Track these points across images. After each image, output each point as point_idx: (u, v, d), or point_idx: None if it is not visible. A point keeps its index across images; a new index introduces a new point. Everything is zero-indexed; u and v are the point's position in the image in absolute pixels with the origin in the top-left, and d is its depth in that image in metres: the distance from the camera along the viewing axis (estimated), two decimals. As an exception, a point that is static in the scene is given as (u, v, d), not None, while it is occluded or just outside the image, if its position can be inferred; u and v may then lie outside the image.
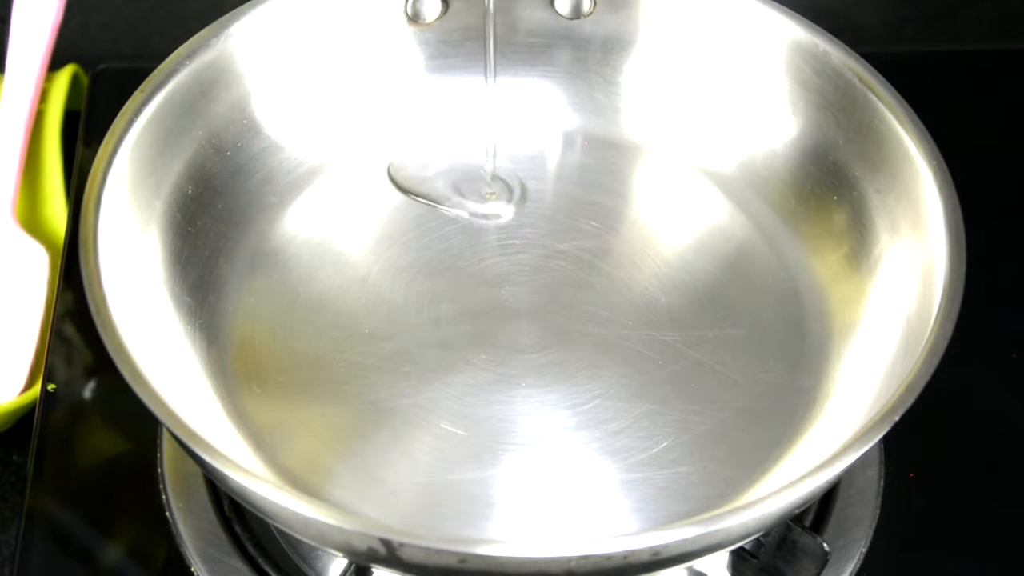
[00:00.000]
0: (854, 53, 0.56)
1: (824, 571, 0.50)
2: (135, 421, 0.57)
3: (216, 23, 0.57)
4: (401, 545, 0.43)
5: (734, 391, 0.54)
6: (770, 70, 0.59)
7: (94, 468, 0.59)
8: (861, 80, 0.56)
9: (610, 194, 0.60)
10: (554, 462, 0.52)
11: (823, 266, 0.57)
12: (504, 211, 0.59)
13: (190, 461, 0.53)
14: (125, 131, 0.53)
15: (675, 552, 0.44)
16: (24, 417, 0.65)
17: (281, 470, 0.51)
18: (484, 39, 0.59)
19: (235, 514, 0.55)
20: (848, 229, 0.57)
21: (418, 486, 0.51)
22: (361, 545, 0.44)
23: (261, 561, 0.54)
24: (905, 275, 0.53)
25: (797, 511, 0.46)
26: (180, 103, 0.55)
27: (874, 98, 0.55)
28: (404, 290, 0.57)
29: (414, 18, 0.61)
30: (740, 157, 0.60)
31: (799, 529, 0.50)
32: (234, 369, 0.54)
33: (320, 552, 0.54)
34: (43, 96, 0.72)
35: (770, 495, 0.43)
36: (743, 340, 0.55)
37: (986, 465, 0.60)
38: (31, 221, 0.71)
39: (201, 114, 0.57)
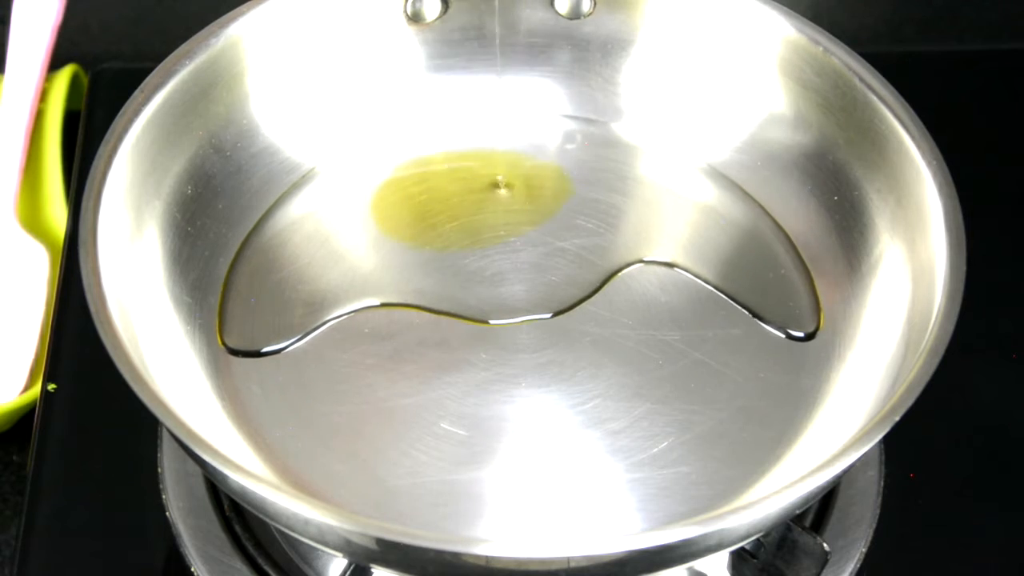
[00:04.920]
0: (854, 53, 0.56)
1: (824, 571, 0.50)
2: (135, 421, 0.57)
3: (216, 23, 0.57)
4: (400, 545, 0.43)
5: (734, 391, 0.54)
6: (770, 70, 0.59)
7: (94, 468, 0.59)
8: (861, 80, 0.56)
9: (610, 193, 0.60)
10: (554, 462, 0.52)
11: (823, 266, 0.57)
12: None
13: (190, 461, 0.53)
14: (125, 131, 0.53)
15: (675, 552, 0.44)
16: (24, 417, 0.65)
17: (281, 470, 0.51)
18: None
19: (235, 514, 0.55)
20: (848, 229, 0.57)
21: (418, 486, 0.51)
22: (360, 545, 0.44)
23: (261, 561, 0.54)
24: (905, 275, 0.53)
25: (797, 511, 0.46)
26: (180, 103, 0.55)
27: (874, 98, 0.55)
28: (404, 289, 0.57)
29: (414, 18, 0.61)
30: (740, 157, 0.60)
31: (799, 529, 0.50)
32: (234, 369, 0.54)
33: (320, 552, 0.54)
34: (43, 96, 0.72)
35: (770, 495, 0.43)
36: (743, 340, 0.55)
37: (986, 465, 0.60)
38: (31, 221, 0.71)
39: (201, 114, 0.57)
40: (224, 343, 0.54)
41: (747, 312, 0.56)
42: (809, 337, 0.55)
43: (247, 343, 0.55)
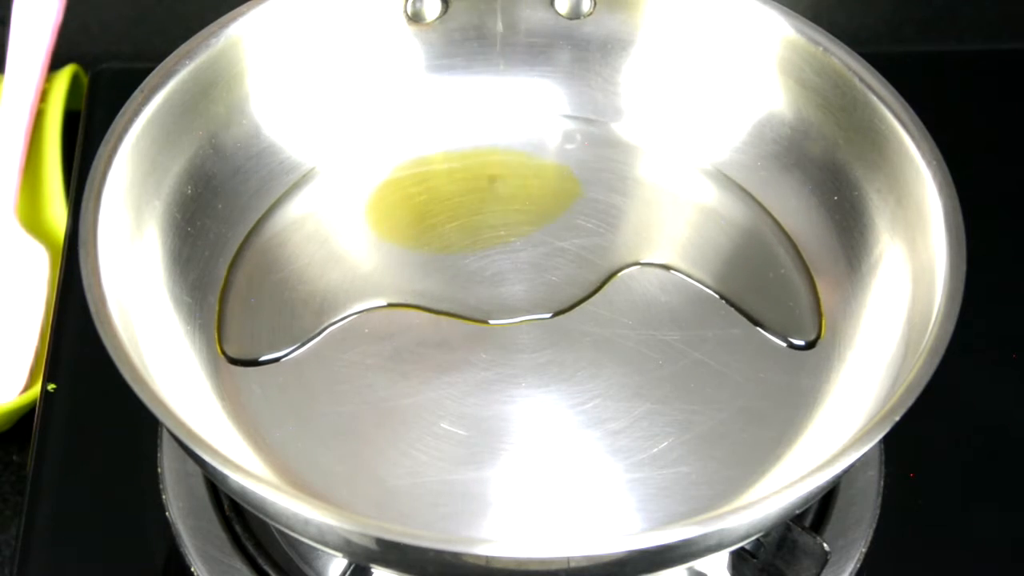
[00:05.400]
0: (854, 53, 0.56)
1: (824, 571, 0.50)
2: (135, 421, 0.57)
3: (216, 23, 0.57)
4: (400, 545, 0.43)
5: (734, 391, 0.53)
6: (770, 70, 0.59)
7: (94, 468, 0.59)
8: (861, 80, 0.56)
9: (610, 193, 0.60)
10: (554, 462, 0.52)
11: (823, 266, 0.57)
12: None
13: (190, 461, 0.53)
14: (125, 131, 0.53)
15: (675, 552, 0.44)
16: (24, 417, 0.65)
17: (281, 470, 0.51)
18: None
19: (235, 514, 0.55)
20: (848, 229, 0.57)
21: (418, 486, 0.51)
22: (360, 545, 0.44)
23: (261, 561, 0.54)
24: (905, 275, 0.53)
25: (797, 511, 0.46)
26: (180, 103, 0.55)
27: (874, 98, 0.55)
28: (404, 289, 0.57)
29: (414, 18, 0.61)
30: (740, 157, 0.60)
31: (799, 529, 0.50)
32: (234, 369, 0.54)
33: (320, 552, 0.54)
34: (43, 96, 0.72)
35: (770, 495, 0.43)
36: (743, 340, 0.55)
37: (986, 465, 0.60)
38: (31, 221, 0.71)
39: (201, 114, 0.57)
40: (224, 352, 0.54)
41: (748, 320, 0.56)
42: (810, 346, 0.55)
43: (246, 352, 0.54)
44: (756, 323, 0.55)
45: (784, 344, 0.55)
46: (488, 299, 0.56)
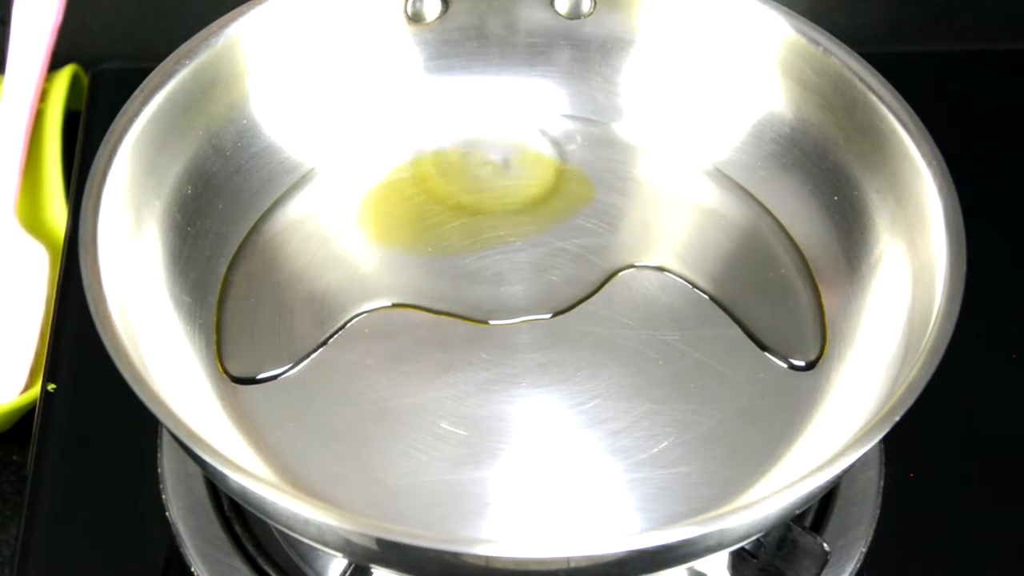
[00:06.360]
0: (854, 53, 0.56)
1: (824, 571, 0.50)
2: (135, 421, 0.57)
3: (216, 23, 0.57)
4: (400, 545, 0.43)
5: (734, 391, 0.53)
6: (770, 70, 0.59)
7: (94, 468, 0.59)
8: (861, 80, 0.56)
9: (610, 193, 0.60)
10: (554, 462, 0.52)
11: (823, 266, 0.57)
12: None
13: (190, 461, 0.53)
14: (125, 131, 0.53)
15: (675, 552, 0.44)
16: (24, 417, 0.65)
17: (281, 470, 0.51)
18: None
19: (235, 514, 0.55)
20: (848, 229, 0.57)
21: (418, 486, 0.51)
22: (360, 545, 0.44)
23: (261, 561, 0.54)
24: (905, 275, 0.53)
25: (797, 511, 0.46)
26: (180, 103, 0.55)
27: (874, 98, 0.55)
28: (404, 289, 0.57)
29: (414, 18, 0.61)
30: (740, 157, 0.60)
31: (799, 529, 0.50)
32: (233, 369, 0.54)
33: (320, 552, 0.54)
34: (43, 96, 0.72)
35: (770, 495, 0.43)
36: (743, 340, 0.55)
37: (986, 465, 0.60)
38: (31, 221, 0.71)
39: (201, 114, 0.57)
40: (226, 370, 0.54)
41: (750, 339, 0.55)
42: (810, 366, 0.55)
43: (247, 366, 0.54)
44: (758, 343, 0.55)
45: (785, 366, 0.55)
46: (488, 299, 0.56)
